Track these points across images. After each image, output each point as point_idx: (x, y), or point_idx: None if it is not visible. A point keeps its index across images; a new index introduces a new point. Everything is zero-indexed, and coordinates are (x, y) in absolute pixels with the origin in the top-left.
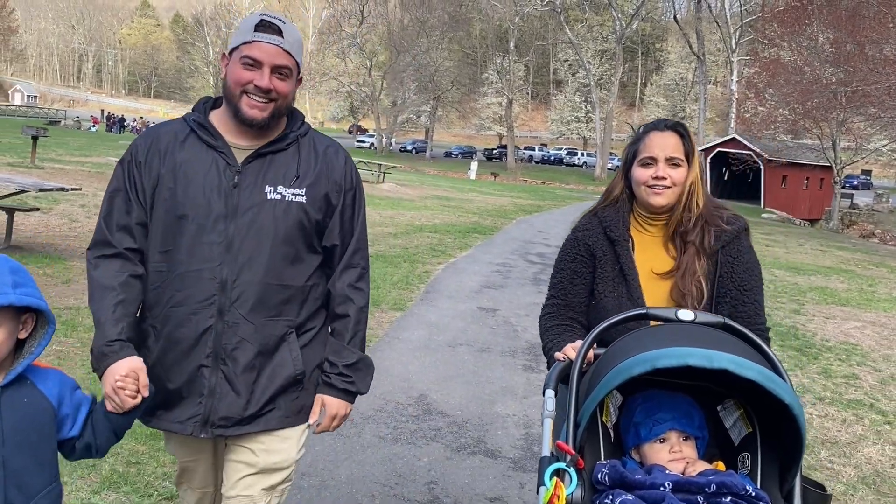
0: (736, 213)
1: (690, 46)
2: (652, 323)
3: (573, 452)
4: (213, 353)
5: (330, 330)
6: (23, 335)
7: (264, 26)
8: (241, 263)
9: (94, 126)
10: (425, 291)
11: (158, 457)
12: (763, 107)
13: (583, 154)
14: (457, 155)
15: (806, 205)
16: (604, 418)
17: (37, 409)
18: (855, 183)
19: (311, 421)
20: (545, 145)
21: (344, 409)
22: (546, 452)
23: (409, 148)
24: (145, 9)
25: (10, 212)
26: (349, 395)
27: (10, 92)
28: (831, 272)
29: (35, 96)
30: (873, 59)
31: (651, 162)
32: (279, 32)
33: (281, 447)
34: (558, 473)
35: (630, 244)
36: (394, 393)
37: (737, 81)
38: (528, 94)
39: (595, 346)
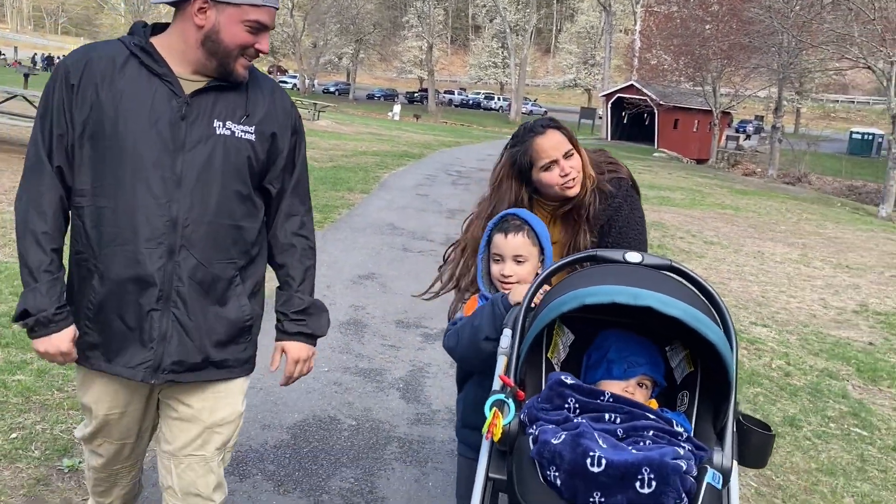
0: (616, 166)
1: None
2: None
3: (512, 384)
4: (164, 295)
5: (278, 283)
6: None
7: None
8: (193, 200)
9: (15, 68)
10: (379, 186)
11: None
12: (655, 58)
13: (499, 98)
14: (379, 97)
15: (696, 146)
16: (549, 354)
17: None
18: (748, 127)
19: (272, 368)
20: (464, 89)
21: (305, 351)
22: (497, 387)
23: (331, 89)
24: None
25: None
26: (307, 338)
27: None
28: (679, 189)
29: None
30: (739, 17)
31: (553, 165)
32: None
33: (227, 402)
34: (498, 404)
35: None
36: (377, 222)
37: (640, 31)
38: (447, 38)
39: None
